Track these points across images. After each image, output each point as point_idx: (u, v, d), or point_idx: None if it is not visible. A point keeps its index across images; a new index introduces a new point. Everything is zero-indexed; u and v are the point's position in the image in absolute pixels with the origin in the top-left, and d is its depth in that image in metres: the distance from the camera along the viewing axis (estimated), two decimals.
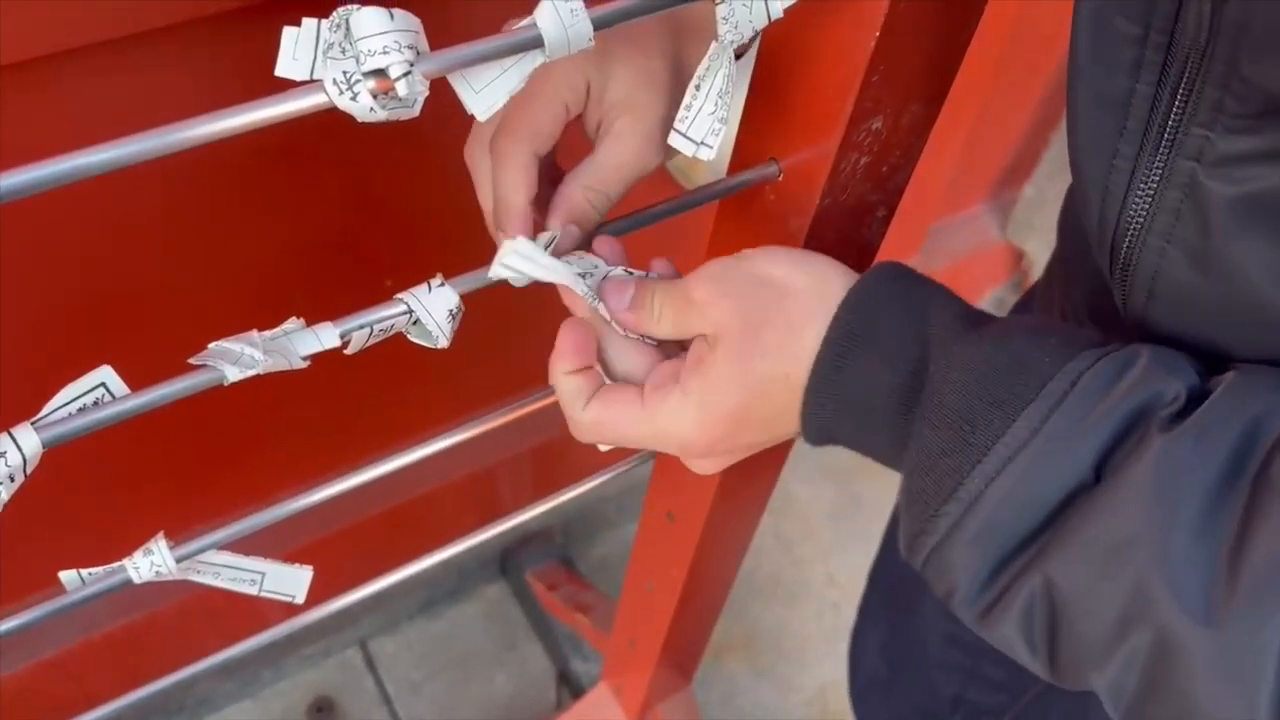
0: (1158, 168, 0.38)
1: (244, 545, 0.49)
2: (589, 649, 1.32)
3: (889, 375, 0.41)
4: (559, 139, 0.48)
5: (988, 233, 1.65)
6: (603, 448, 0.50)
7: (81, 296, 0.82)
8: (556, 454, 1.27)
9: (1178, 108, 0.37)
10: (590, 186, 0.47)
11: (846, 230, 0.52)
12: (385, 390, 1.09)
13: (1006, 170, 1.57)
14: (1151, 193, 0.39)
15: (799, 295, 0.43)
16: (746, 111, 0.51)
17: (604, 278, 0.47)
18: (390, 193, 0.91)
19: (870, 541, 0.93)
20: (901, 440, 0.41)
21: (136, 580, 0.47)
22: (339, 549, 1.15)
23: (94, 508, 0.97)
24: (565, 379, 0.46)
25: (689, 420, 0.44)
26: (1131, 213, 0.40)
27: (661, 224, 0.51)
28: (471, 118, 0.38)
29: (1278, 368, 0.37)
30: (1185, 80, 0.36)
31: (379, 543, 1.19)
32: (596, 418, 0.46)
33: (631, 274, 0.48)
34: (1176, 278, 0.39)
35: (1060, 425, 0.35)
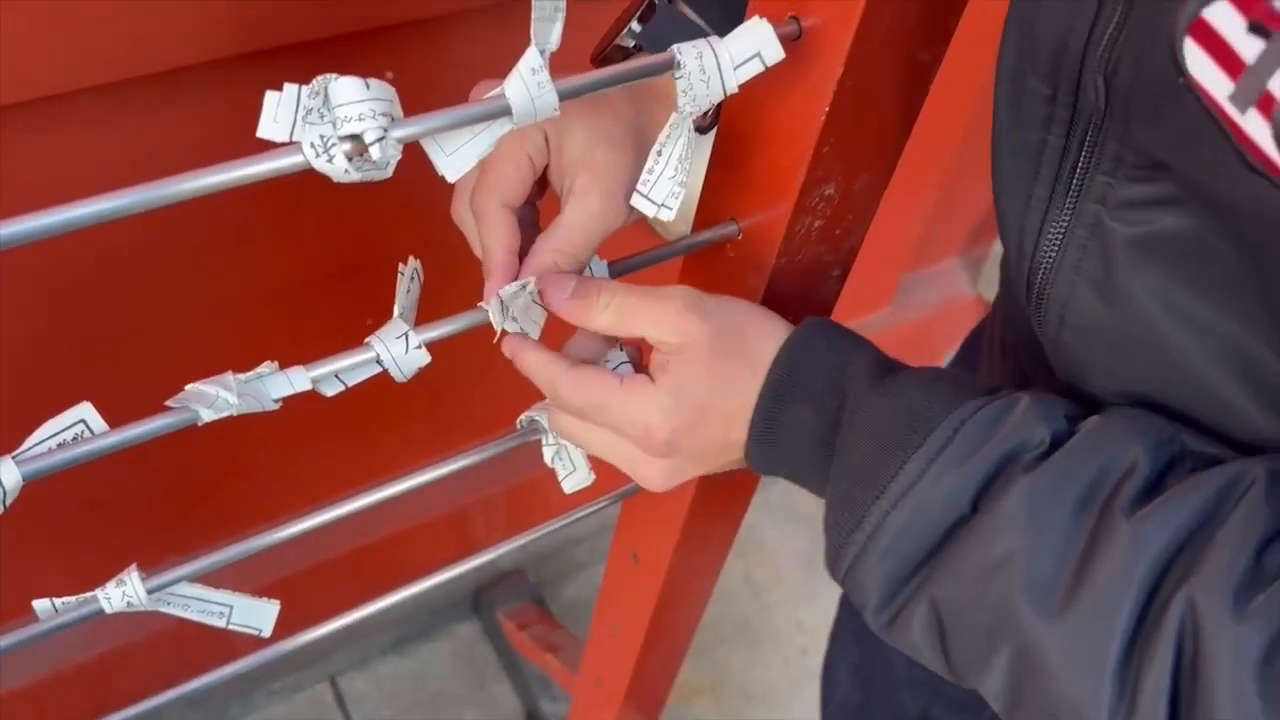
0: (1068, 209, 0.43)
1: (216, 578, 0.51)
2: (558, 690, 1.33)
3: (815, 425, 0.46)
4: (534, 190, 0.51)
5: (959, 286, 1.69)
6: (548, 461, 0.52)
7: (68, 330, 0.83)
8: (530, 493, 1.28)
9: (1084, 158, 0.42)
10: (558, 249, 0.49)
11: (803, 288, 0.54)
12: (361, 426, 1.10)
13: (978, 225, 1.61)
14: (1062, 231, 0.43)
15: (756, 322, 0.49)
16: (710, 173, 0.54)
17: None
18: (372, 230, 0.93)
19: (839, 588, 0.94)
20: (826, 477, 0.46)
21: (109, 610, 0.48)
22: (312, 584, 1.16)
23: (68, 536, 0.98)
24: (531, 354, 0.49)
25: (658, 405, 0.47)
26: (1044, 248, 0.44)
27: (628, 277, 0.53)
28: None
29: (1138, 413, 0.42)
30: (1090, 135, 0.41)
31: (352, 579, 1.20)
32: (578, 377, 0.48)
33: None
34: (1084, 307, 0.44)
35: (942, 468, 0.41)
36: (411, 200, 0.89)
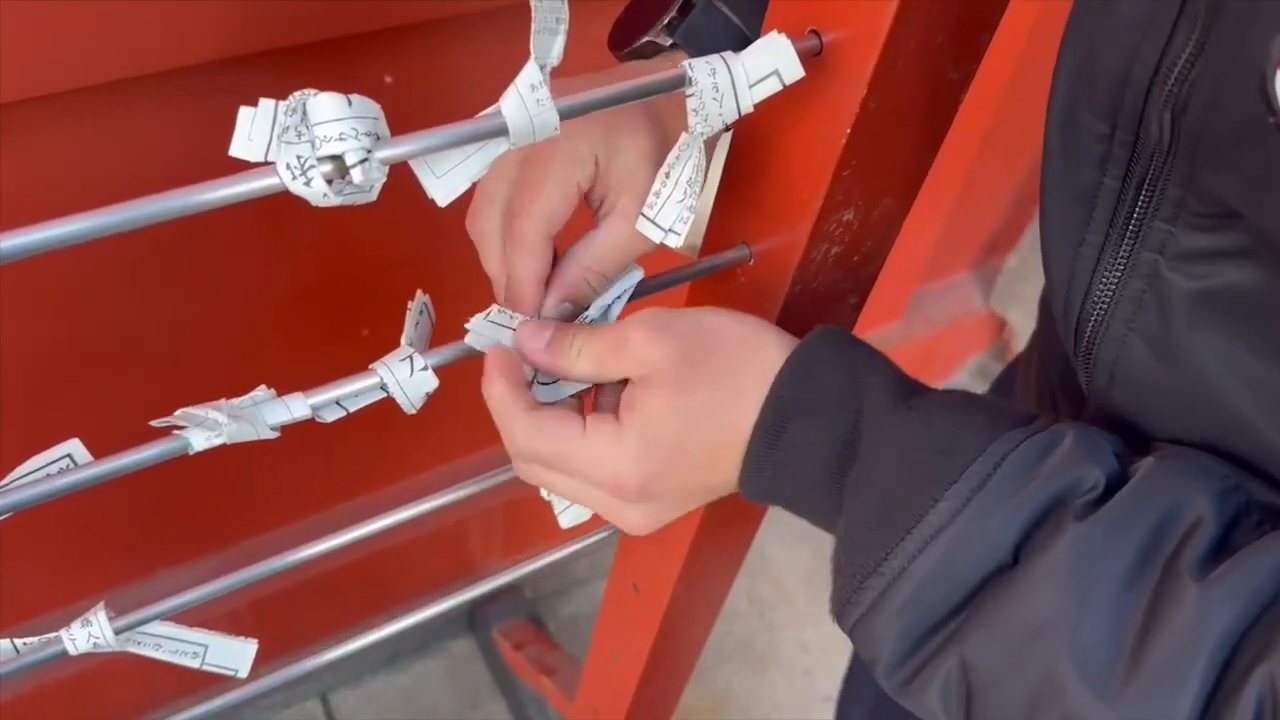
0: (1122, 258, 0.39)
1: (192, 614, 0.48)
2: (554, 712, 1.30)
3: (824, 446, 0.41)
4: None
5: (970, 301, 1.66)
6: (544, 495, 0.49)
7: (61, 340, 0.81)
8: (528, 506, 1.25)
9: (1142, 202, 0.38)
10: (590, 267, 0.46)
11: (817, 316, 0.51)
12: (362, 431, 1.08)
13: (990, 240, 1.58)
14: (1115, 281, 0.40)
15: (736, 341, 0.43)
16: (721, 193, 0.51)
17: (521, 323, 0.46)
18: (367, 241, 0.91)
19: None
20: (835, 508, 0.41)
21: (73, 652, 0.46)
22: (304, 598, 1.13)
23: (57, 545, 0.96)
24: (497, 385, 0.45)
25: (625, 453, 0.42)
26: (1095, 298, 0.41)
27: (630, 306, 0.50)
28: None
29: (1197, 456, 0.38)
30: (1150, 177, 0.37)
31: (345, 592, 1.17)
32: (537, 424, 0.43)
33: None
34: (1137, 365, 0.40)
35: (981, 508, 0.36)
36: (413, 209, 0.86)
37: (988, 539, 0.36)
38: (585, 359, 0.44)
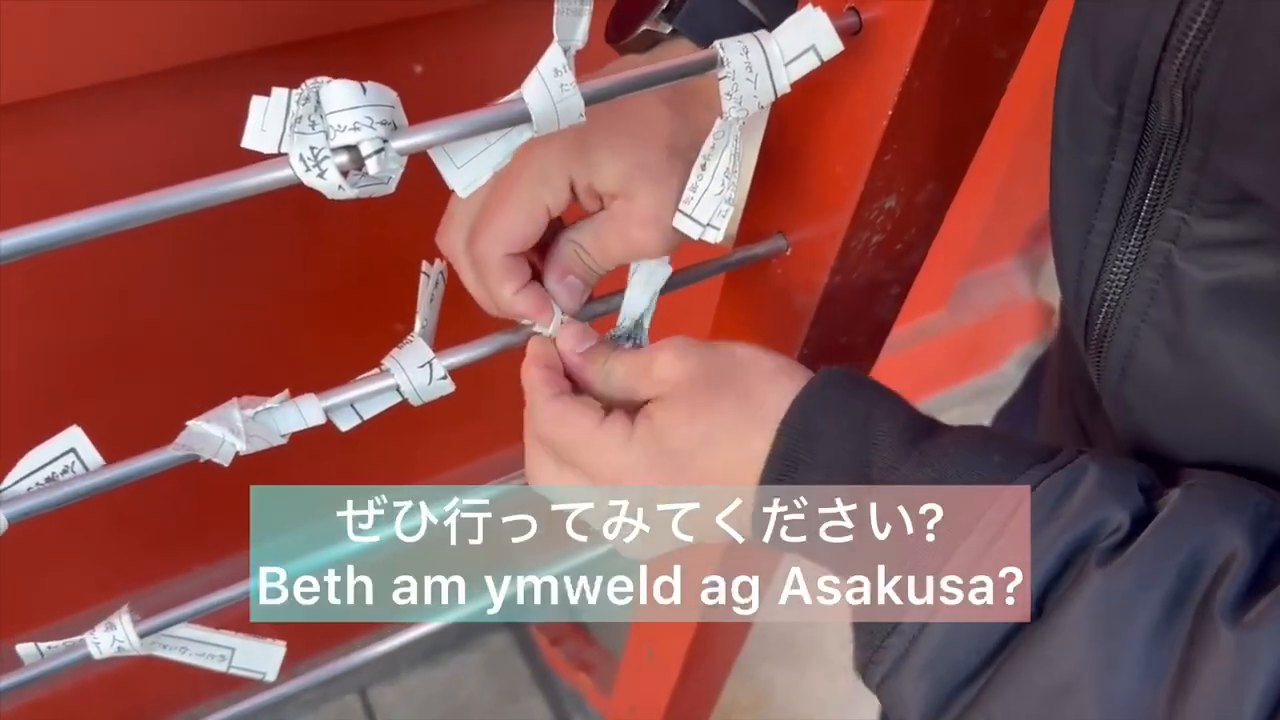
0: (1133, 246, 0.37)
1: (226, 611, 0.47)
2: (592, 708, 1.29)
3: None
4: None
5: (1018, 288, 1.62)
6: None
7: (88, 335, 0.81)
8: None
9: (1154, 188, 0.36)
10: (574, 239, 0.45)
11: (858, 308, 0.49)
12: (395, 424, 1.07)
13: (1038, 225, 1.54)
14: (1127, 270, 0.38)
15: (761, 368, 0.42)
16: (757, 180, 0.49)
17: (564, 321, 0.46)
18: (400, 232, 0.90)
19: None
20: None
21: (97, 656, 0.46)
22: None
23: (89, 542, 0.96)
24: (533, 370, 0.44)
25: (631, 454, 0.41)
26: (1106, 289, 0.39)
27: (666, 295, 0.49)
28: None
29: (1227, 484, 0.35)
30: (1161, 162, 0.35)
31: None
32: (558, 412, 0.43)
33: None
34: (1151, 359, 0.38)
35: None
36: (447, 198, 0.85)
37: None
38: (615, 378, 0.43)
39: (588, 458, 0.42)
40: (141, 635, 0.46)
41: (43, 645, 0.45)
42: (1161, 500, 0.35)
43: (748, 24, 0.45)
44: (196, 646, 0.48)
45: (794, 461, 0.39)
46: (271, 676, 0.50)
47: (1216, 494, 0.34)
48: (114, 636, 0.45)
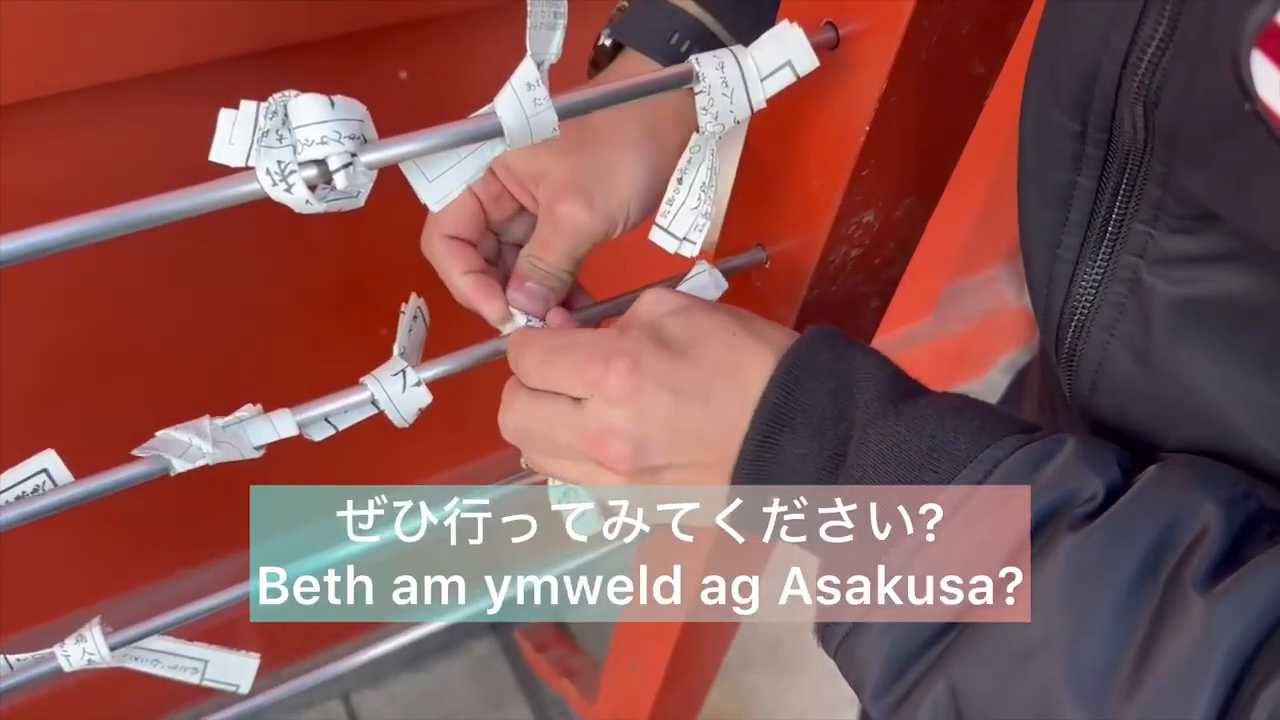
0: (1101, 261, 0.37)
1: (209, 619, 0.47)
2: (576, 714, 1.28)
3: (813, 457, 0.39)
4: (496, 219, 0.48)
5: (1004, 296, 1.62)
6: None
7: (72, 339, 0.81)
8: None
9: (1120, 204, 0.36)
10: (527, 251, 0.47)
11: (837, 321, 0.49)
12: (371, 439, 1.07)
13: None
14: (1095, 285, 0.38)
15: (754, 322, 0.41)
16: (736, 193, 0.49)
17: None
18: (384, 239, 0.89)
19: None
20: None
21: (67, 669, 0.45)
22: None
23: (73, 544, 0.95)
24: (522, 333, 0.44)
25: (632, 337, 0.40)
26: (1075, 303, 0.39)
27: None
28: None
29: (1205, 462, 0.35)
30: (1127, 178, 0.35)
31: None
32: (552, 333, 0.43)
33: None
34: (1121, 371, 0.38)
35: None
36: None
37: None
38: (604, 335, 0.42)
39: (581, 352, 0.40)
40: (113, 648, 0.45)
41: (11, 658, 0.44)
42: (1138, 476, 0.35)
43: (703, 36, 0.45)
44: (169, 659, 0.48)
45: (775, 424, 0.39)
46: (245, 689, 0.49)
47: (1192, 470, 0.34)
48: (84, 649, 0.45)
